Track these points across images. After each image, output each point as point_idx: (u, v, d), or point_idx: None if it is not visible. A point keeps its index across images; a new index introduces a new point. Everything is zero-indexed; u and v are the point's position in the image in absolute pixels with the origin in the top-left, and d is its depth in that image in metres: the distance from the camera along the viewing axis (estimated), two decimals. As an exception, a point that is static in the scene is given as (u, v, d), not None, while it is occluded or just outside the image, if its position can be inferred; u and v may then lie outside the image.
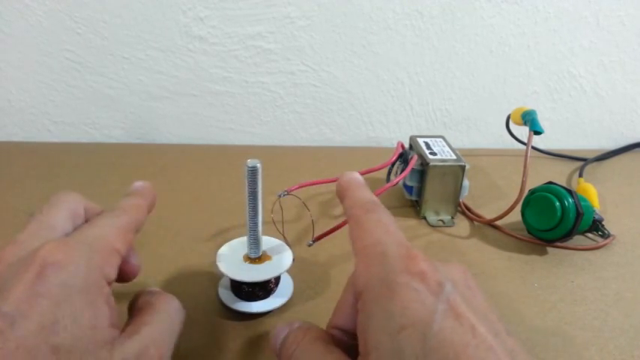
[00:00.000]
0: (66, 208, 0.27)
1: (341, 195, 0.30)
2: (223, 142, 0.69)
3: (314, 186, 0.44)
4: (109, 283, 0.24)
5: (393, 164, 0.52)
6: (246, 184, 0.33)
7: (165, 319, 0.26)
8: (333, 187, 0.55)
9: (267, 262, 0.36)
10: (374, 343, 0.20)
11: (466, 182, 0.50)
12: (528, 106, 0.53)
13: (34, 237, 0.25)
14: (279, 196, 0.39)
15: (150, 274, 0.39)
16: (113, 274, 0.24)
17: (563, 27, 0.67)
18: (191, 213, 0.49)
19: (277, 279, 0.38)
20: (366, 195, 0.29)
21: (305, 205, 0.43)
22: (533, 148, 0.65)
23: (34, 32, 0.62)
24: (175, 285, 0.39)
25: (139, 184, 0.32)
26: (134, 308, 0.27)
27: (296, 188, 0.41)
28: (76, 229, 0.26)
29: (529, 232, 0.48)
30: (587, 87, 0.71)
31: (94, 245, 0.24)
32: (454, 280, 0.22)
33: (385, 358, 0.20)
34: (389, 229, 0.25)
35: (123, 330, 0.24)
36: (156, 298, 0.27)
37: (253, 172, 0.33)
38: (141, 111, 0.67)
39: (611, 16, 0.67)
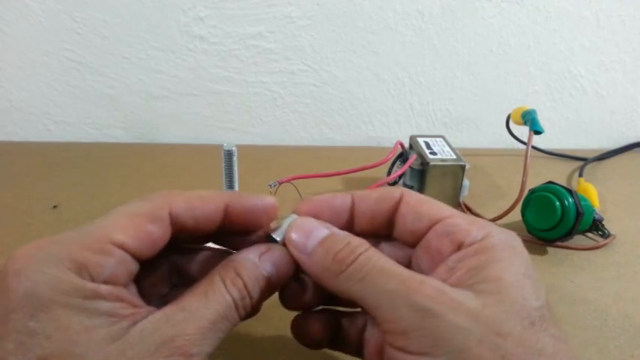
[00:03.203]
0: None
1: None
2: (223, 141, 0.69)
3: (314, 184, 0.44)
4: (106, 282, 0.21)
5: (393, 164, 0.52)
6: (223, 166, 0.35)
7: (217, 306, 0.22)
8: (330, 183, 0.55)
9: None
10: (497, 275, 0.22)
11: (466, 182, 0.50)
12: (528, 106, 0.52)
13: None
14: (270, 186, 0.40)
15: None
16: (101, 271, 0.20)
17: (563, 27, 0.67)
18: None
19: None
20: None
21: (298, 191, 0.43)
22: (533, 147, 0.65)
23: (34, 32, 0.62)
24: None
25: None
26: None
27: (287, 180, 0.41)
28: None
29: (529, 232, 0.48)
30: (587, 87, 0.71)
31: (81, 241, 0.21)
32: None
33: (511, 293, 0.22)
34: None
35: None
36: (237, 262, 0.24)
37: (229, 154, 0.36)
38: (141, 111, 0.67)
39: (612, 15, 0.67)
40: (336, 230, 0.25)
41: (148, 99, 0.67)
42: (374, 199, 0.26)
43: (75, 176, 0.56)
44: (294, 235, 0.25)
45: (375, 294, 0.22)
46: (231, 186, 0.36)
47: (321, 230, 0.24)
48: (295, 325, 0.27)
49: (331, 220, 0.26)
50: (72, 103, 0.66)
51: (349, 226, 0.27)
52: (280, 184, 0.42)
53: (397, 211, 0.26)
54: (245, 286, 0.23)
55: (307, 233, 0.24)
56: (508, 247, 0.23)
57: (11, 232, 0.45)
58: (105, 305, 0.20)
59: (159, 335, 0.20)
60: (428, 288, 0.21)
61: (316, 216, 0.26)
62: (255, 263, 0.24)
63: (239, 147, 0.38)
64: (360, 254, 0.23)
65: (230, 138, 0.68)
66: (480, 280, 0.22)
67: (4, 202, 0.50)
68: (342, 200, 0.26)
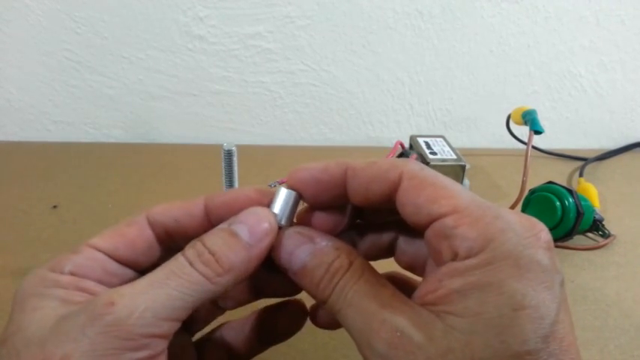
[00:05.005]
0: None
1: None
2: (223, 141, 0.69)
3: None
4: (71, 273, 0.22)
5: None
6: (223, 166, 0.36)
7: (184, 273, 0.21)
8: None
9: None
10: (475, 310, 0.19)
11: (466, 182, 0.50)
12: (529, 106, 0.53)
13: None
14: (270, 186, 0.40)
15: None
16: (66, 264, 0.22)
17: (563, 26, 0.67)
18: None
19: None
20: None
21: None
22: (533, 147, 0.65)
23: (33, 32, 0.62)
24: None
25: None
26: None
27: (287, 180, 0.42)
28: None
29: (529, 232, 0.48)
30: (587, 86, 0.71)
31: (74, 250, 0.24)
32: None
33: (485, 333, 0.19)
34: (462, 188, 0.22)
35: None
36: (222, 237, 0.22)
37: (229, 154, 0.36)
38: (140, 111, 0.67)
39: (611, 15, 0.67)
40: (318, 244, 0.23)
41: (148, 99, 0.67)
42: (368, 178, 0.23)
43: (75, 176, 0.56)
44: (280, 258, 0.24)
45: (348, 328, 0.22)
46: (231, 186, 0.37)
47: (303, 251, 0.23)
48: (312, 311, 0.27)
49: (321, 195, 0.24)
50: (71, 103, 0.66)
51: (344, 198, 0.24)
52: (280, 184, 0.42)
53: (396, 195, 0.22)
54: (203, 243, 0.22)
55: (289, 255, 0.23)
56: (510, 262, 0.19)
57: (11, 232, 0.45)
58: (60, 292, 0.22)
59: (90, 301, 0.21)
60: (386, 330, 0.20)
61: (305, 189, 0.24)
62: (217, 228, 0.23)
63: (239, 147, 0.38)
64: (336, 284, 0.22)
65: (230, 138, 0.68)
66: (457, 312, 0.19)
67: (4, 202, 0.50)
68: (331, 176, 0.24)
